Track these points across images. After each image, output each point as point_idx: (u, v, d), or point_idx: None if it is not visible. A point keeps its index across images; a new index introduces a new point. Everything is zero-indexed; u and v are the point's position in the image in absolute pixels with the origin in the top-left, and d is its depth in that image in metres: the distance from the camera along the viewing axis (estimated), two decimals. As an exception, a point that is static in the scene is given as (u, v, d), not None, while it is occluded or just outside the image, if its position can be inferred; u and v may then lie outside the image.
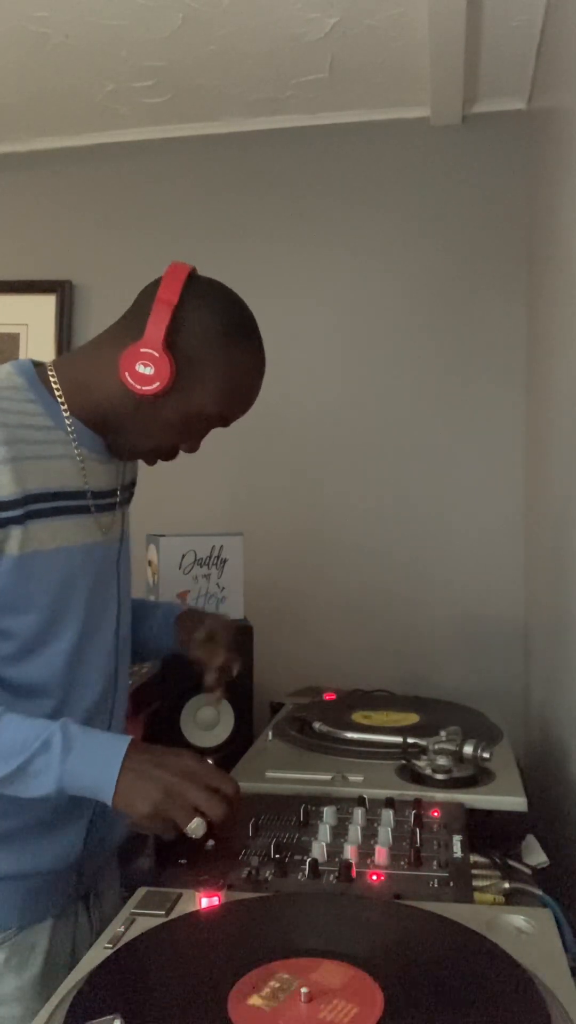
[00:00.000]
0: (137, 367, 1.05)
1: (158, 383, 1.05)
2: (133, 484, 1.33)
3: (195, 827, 0.95)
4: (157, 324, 1.05)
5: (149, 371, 1.05)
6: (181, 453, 1.18)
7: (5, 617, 1.04)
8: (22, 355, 2.43)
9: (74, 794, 0.97)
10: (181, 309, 1.06)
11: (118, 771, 0.96)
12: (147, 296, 1.09)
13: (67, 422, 1.10)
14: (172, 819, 0.95)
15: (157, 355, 1.05)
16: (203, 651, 1.29)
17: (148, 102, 2.25)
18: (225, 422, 1.15)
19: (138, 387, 1.06)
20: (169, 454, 1.17)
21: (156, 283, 1.09)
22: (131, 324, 1.09)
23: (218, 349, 1.08)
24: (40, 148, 2.47)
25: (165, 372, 1.05)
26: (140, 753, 0.98)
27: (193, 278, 1.09)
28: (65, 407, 1.10)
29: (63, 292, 2.42)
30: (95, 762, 0.97)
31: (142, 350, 1.05)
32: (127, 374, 1.05)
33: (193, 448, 1.17)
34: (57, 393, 1.10)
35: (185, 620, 1.36)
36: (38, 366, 1.12)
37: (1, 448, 1.00)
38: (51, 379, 1.11)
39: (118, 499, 1.19)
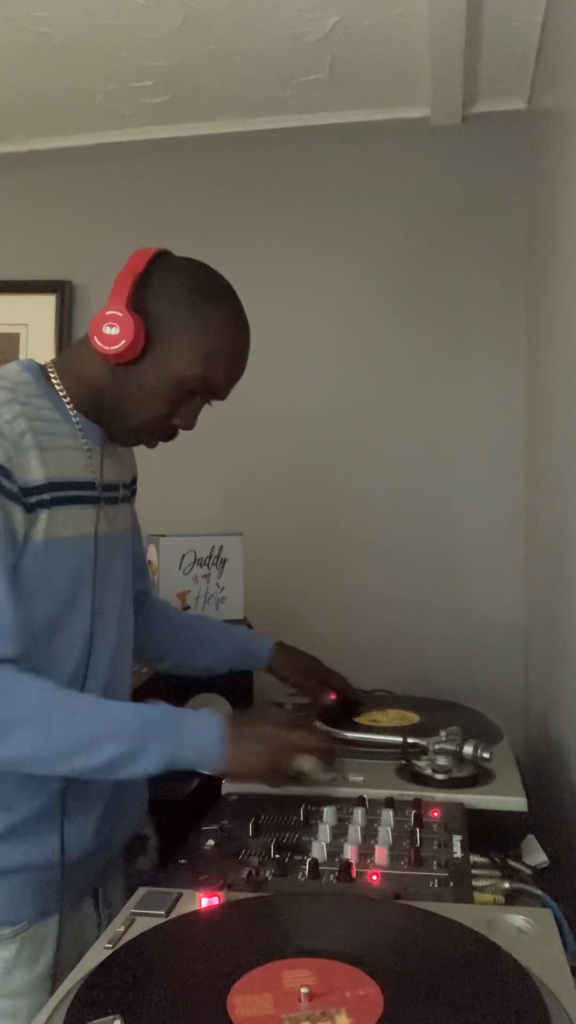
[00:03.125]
0: (104, 329, 1.07)
1: (124, 341, 1.07)
2: (134, 481, 1.35)
3: (310, 766, 1.07)
4: (120, 289, 1.08)
5: (115, 331, 1.07)
6: (179, 450, 1.19)
7: (29, 602, 1.05)
8: (22, 355, 2.43)
9: (178, 767, 1.03)
10: (147, 276, 1.10)
11: (222, 742, 1.04)
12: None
13: (72, 415, 1.13)
14: (285, 768, 1.05)
15: (120, 315, 1.07)
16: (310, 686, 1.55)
17: (148, 102, 2.25)
18: (211, 389, 1.15)
19: (106, 348, 1.07)
20: (165, 431, 1.17)
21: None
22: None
23: (187, 309, 1.10)
24: (40, 148, 2.47)
25: (130, 329, 1.07)
26: (235, 723, 1.07)
27: (161, 253, 1.13)
28: (69, 402, 1.13)
29: (63, 292, 2.42)
30: (200, 737, 1.04)
31: (107, 312, 1.07)
32: (96, 338, 1.08)
33: (188, 424, 1.17)
34: (59, 389, 1.13)
35: (287, 661, 1.55)
36: (40, 366, 1.16)
37: (28, 435, 1.04)
38: (52, 377, 1.14)
39: (120, 494, 1.22)
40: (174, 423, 1.17)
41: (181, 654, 1.51)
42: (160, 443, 1.21)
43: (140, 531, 1.43)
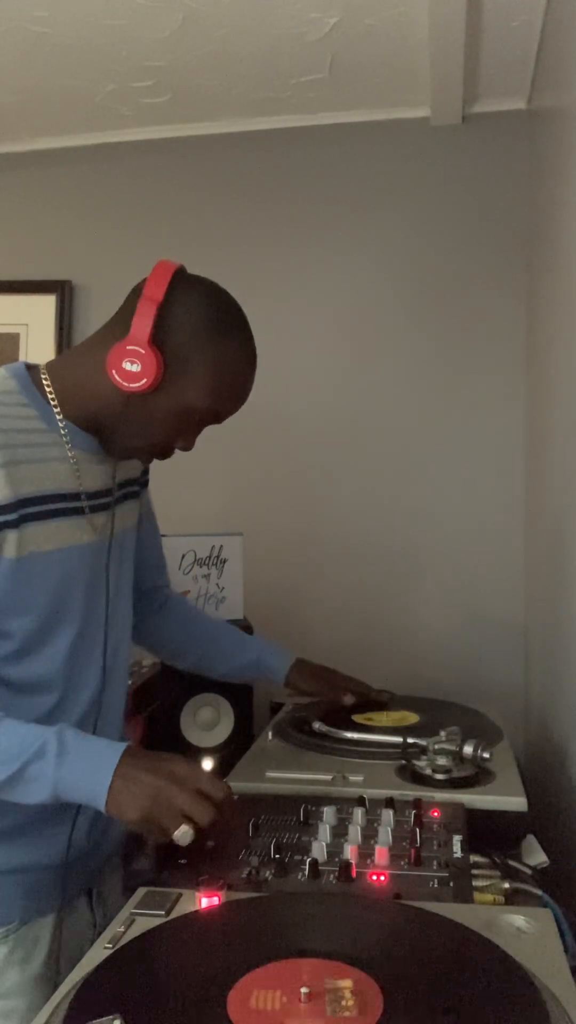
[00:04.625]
0: (124, 364, 1.06)
1: (145, 379, 1.06)
2: (145, 472, 1.33)
3: (181, 835, 0.95)
4: (142, 321, 1.06)
5: (136, 368, 1.05)
6: (177, 452, 1.18)
7: (3, 618, 1.05)
8: (22, 355, 2.43)
9: (69, 800, 0.98)
10: (167, 306, 1.07)
11: (110, 778, 0.96)
12: (134, 295, 1.10)
13: (60, 424, 1.10)
14: (162, 824, 0.95)
15: (143, 352, 1.05)
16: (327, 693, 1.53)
17: (148, 102, 2.25)
18: (217, 418, 1.15)
19: (125, 384, 1.06)
20: (164, 452, 1.17)
21: (143, 282, 1.09)
22: (119, 323, 1.10)
23: (205, 344, 1.08)
24: (40, 148, 2.47)
25: (151, 368, 1.05)
26: (133, 759, 0.98)
27: (180, 275, 1.10)
28: (58, 409, 1.11)
29: (63, 292, 2.42)
30: (89, 769, 0.97)
31: (128, 347, 1.05)
32: (114, 372, 1.06)
33: (188, 446, 1.17)
34: (50, 396, 1.11)
35: (304, 673, 1.53)
36: (31, 369, 1.13)
37: None
38: (44, 382, 1.12)
39: (113, 498, 1.20)
40: (174, 446, 1.16)
41: (196, 659, 1.50)
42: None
43: (155, 523, 1.42)
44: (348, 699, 1.51)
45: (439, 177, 2.28)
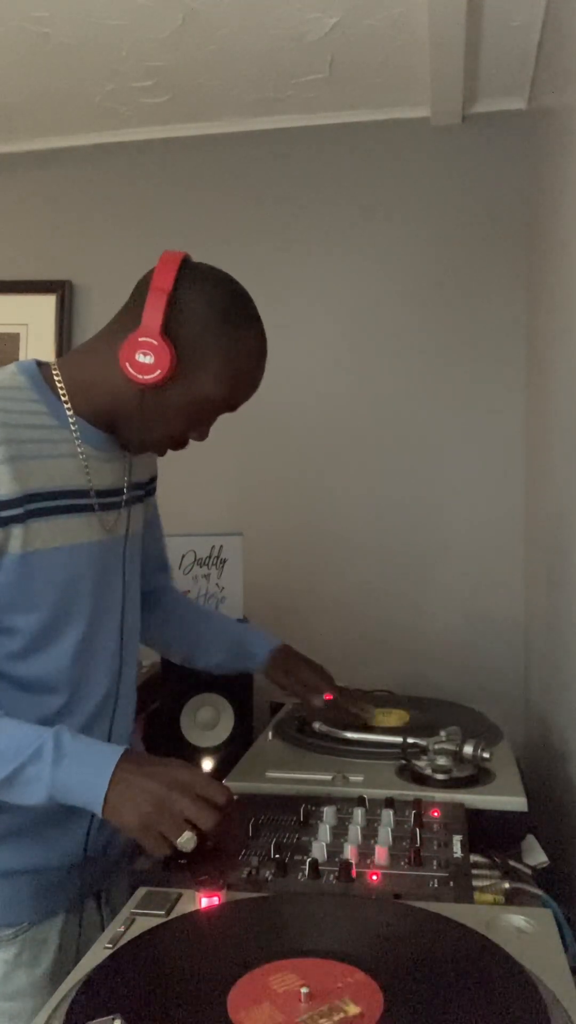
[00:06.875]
0: (137, 356, 1.05)
1: (159, 371, 1.05)
2: (153, 480, 1.33)
3: (185, 841, 0.94)
4: (153, 312, 1.05)
5: (149, 360, 1.05)
6: (189, 444, 1.18)
7: (10, 615, 1.05)
8: (22, 355, 2.43)
9: (66, 803, 0.97)
10: (177, 296, 1.06)
11: (108, 782, 0.95)
12: (142, 287, 1.09)
13: (71, 420, 1.10)
14: (162, 832, 0.94)
15: (156, 343, 1.04)
16: (304, 693, 1.45)
17: (148, 102, 2.25)
18: (232, 407, 1.15)
19: (139, 376, 1.05)
20: (179, 443, 1.17)
21: (150, 273, 1.08)
22: (129, 316, 1.09)
23: (217, 333, 1.07)
24: (40, 148, 2.47)
25: (165, 360, 1.04)
26: (131, 763, 0.97)
27: (187, 264, 1.09)
28: (69, 405, 1.10)
29: (63, 292, 2.42)
30: (86, 772, 0.96)
31: (140, 339, 1.04)
32: (127, 364, 1.05)
33: (203, 436, 1.16)
34: (61, 392, 1.10)
35: (281, 661, 1.46)
36: (42, 366, 1.13)
37: (1, 447, 1.00)
38: (55, 378, 1.11)
39: (124, 497, 1.19)
40: (188, 436, 1.16)
41: (186, 652, 1.50)
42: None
43: (160, 525, 1.43)
44: (317, 702, 1.43)
45: (439, 177, 2.28)
